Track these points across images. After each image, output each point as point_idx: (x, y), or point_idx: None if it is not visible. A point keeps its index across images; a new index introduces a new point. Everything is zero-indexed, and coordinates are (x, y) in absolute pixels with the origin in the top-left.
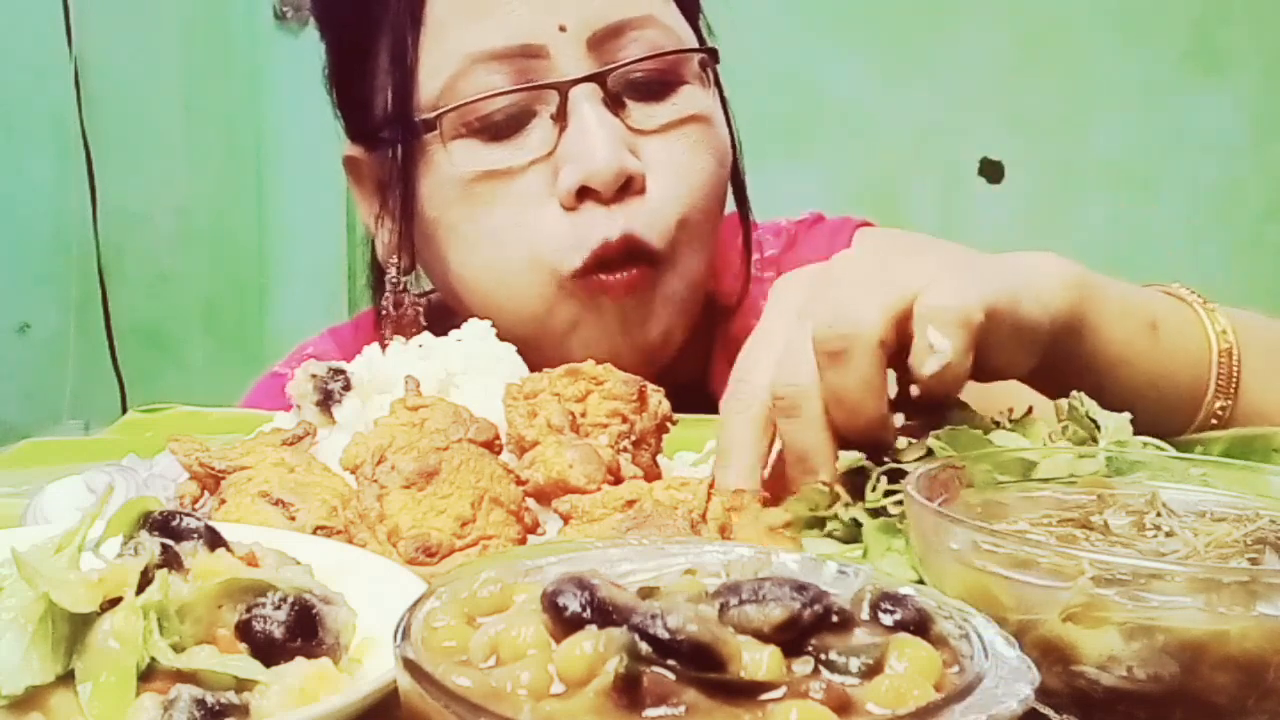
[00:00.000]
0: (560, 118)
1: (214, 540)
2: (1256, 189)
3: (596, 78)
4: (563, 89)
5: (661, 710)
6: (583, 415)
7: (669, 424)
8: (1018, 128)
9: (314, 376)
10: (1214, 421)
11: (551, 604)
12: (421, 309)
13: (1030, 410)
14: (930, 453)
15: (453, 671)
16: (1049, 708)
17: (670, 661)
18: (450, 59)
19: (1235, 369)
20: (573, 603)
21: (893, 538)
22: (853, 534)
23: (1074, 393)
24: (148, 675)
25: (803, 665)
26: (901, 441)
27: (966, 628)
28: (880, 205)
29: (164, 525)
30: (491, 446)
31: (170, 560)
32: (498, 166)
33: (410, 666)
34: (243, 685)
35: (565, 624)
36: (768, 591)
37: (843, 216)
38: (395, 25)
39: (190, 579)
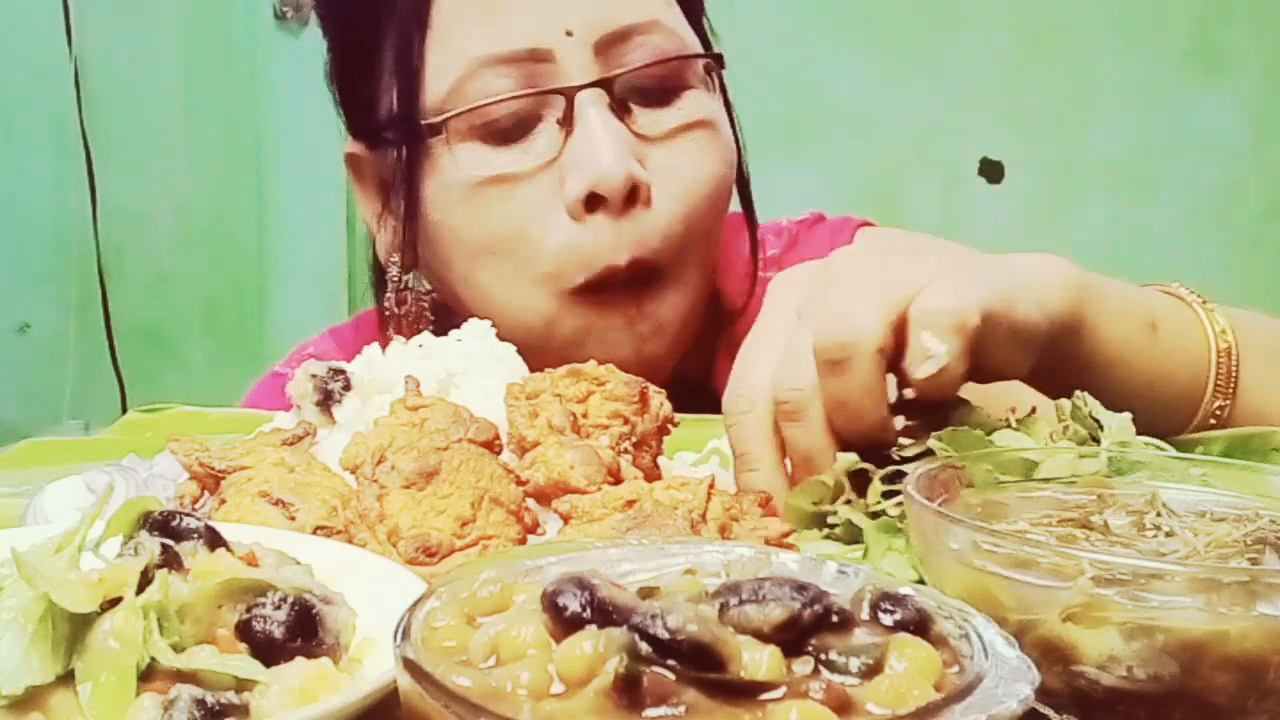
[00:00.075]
0: (566, 123)
1: (214, 540)
2: (1256, 189)
3: (603, 83)
4: (569, 94)
5: (661, 710)
6: (584, 416)
7: (670, 426)
8: (1018, 128)
9: (314, 376)
10: (1213, 421)
11: (551, 604)
12: (427, 305)
13: (1034, 410)
14: (931, 452)
15: (453, 671)
16: (1049, 708)
17: (670, 661)
18: (456, 62)
19: (1234, 369)
20: (573, 603)
21: (893, 538)
22: (853, 534)
23: (1077, 393)
24: (148, 675)
25: (803, 665)
26: (903, 441)
27: (966, 628)
28: (880, 205)
29: (164, 525)
30: (491, 446)
31: (170, 560)
32: (503, 171)
33: (410, 666)
34: (243, 685)
35: (565, 624)
36: (768, 591)
37: (843, 216)
38: (401, 26)
39: (190, 579)
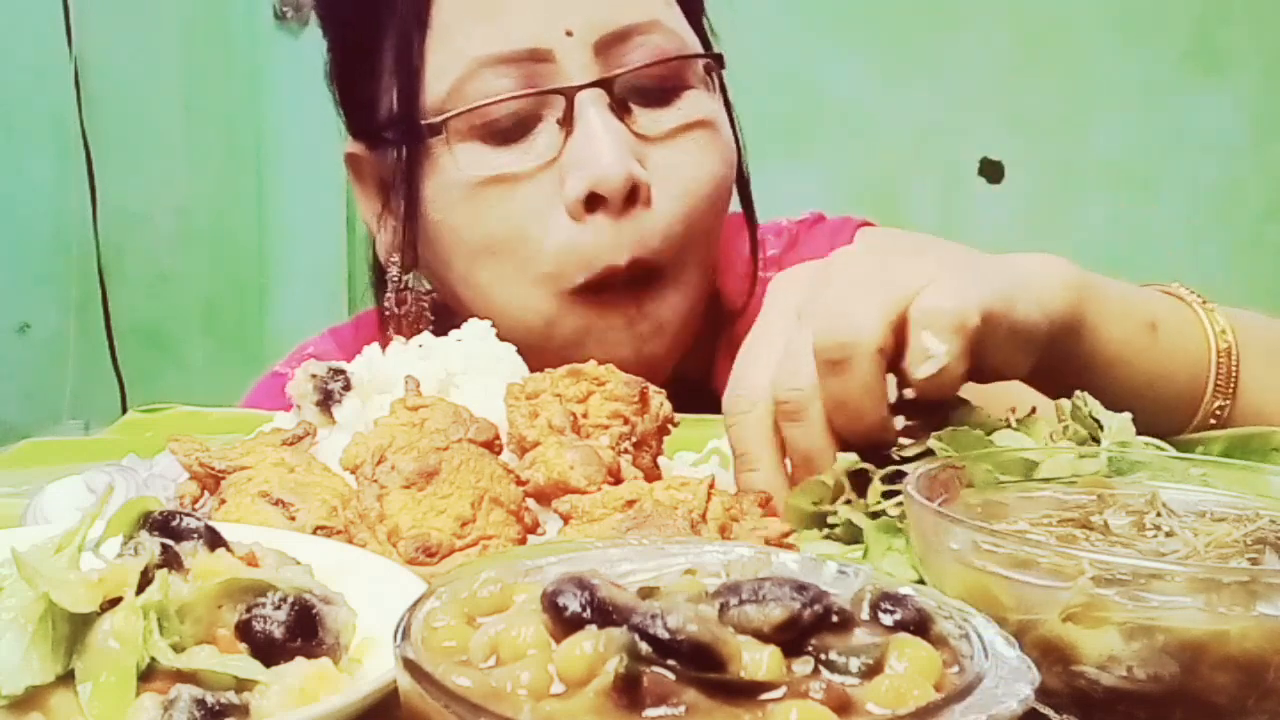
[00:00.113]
0: (566, 123)
1: (214, 540)
2: (1256, 189)
3: (603, 83)
4: (569, 94)
5: (661, 710)
6: (584, 416)
7: (670, 426)
8: (1018, 128)
9: (314, 376)
10: (1212, 421)
11: (551, 604)
12: (427, 305)
13: (1034, 410)
14: (931, 452)
15: (453, 671)
16: (1049, 708)
17: (670, 661)
18: (457, 62)
19: (1234, 369)
20: (573, 603)
21: (893, 538)
22: (853, 534)
23: (1077, 393)
24: (148, 675)
25: (803, 665)
26: (903, 441)
27: (966, 628)
28: (880, 205)
29: (164, 525)
30: (491, 446)
31: (170, 560)
32: (503, 171)
33: (410, 666)
34: (243, 685)
35: (565, 624)
36: (768, 591)
37: (843, 216)
38: (401, 26)
39: (190, 579)
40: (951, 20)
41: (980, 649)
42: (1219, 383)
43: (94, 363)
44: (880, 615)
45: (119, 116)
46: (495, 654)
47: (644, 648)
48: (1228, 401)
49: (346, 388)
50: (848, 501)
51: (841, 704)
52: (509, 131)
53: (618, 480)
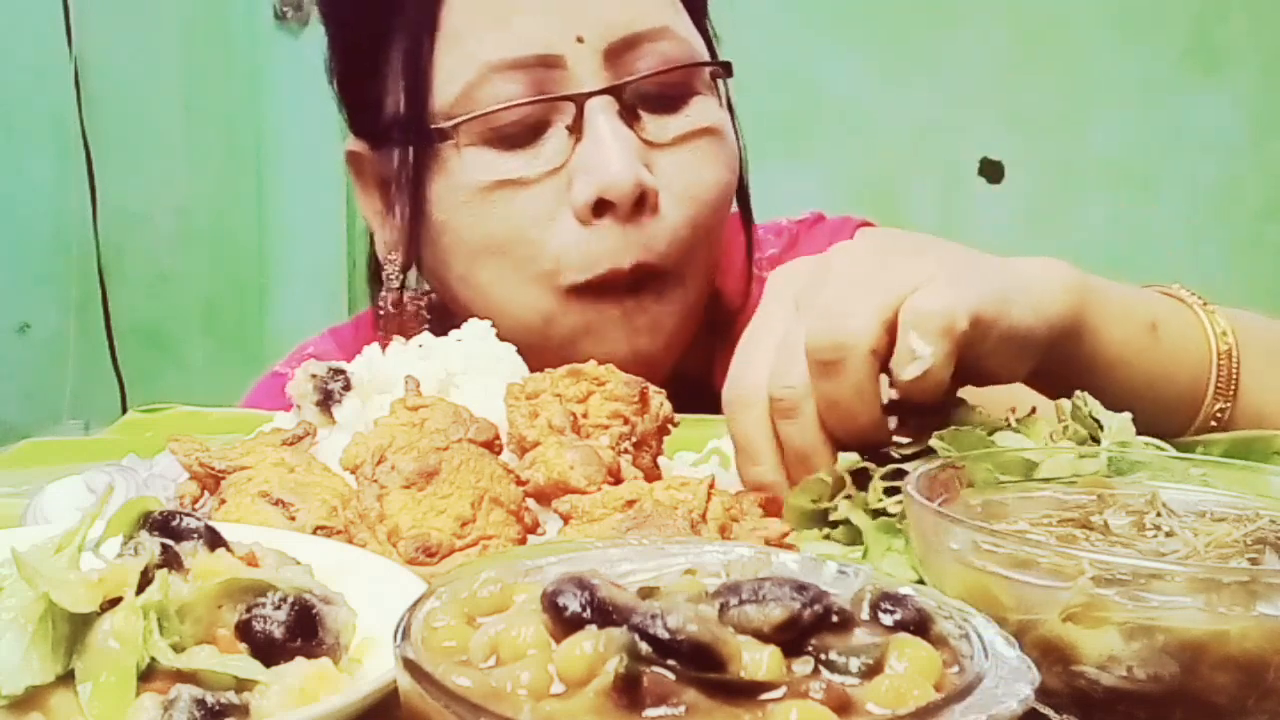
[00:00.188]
0: (576, 129)
1: (214, 540)
2: (1256, 188)
3: (613, 90)
4: (579, 101)
5: (661, 710)
6: (584, 416)
7: (670, 426)
8: (1018, 127)
9: (314, 376)
10: (1213, 424)
11: (551, 604)
12: (423, 304)
13: (1034, 410)
14: (931, 451)
15: (453, 671)
16: (1049, 708)
17: (670, 661)
18: (467, 66)
19: (1235, 371)
20: (573, 603)
21: (893, 538)
22: (853, 535)
23: (1077, 393)
24: (148, 675)
25: (803, 665)
26: (900, 440)
27: (966, 628)
28: (880, 205)
29: (164, 525)
30: (491, 446)
31: (170, 560)
32: (511, 176)
33: (410, 666)
34: (243, 685)
35: (565, 624)
36: (768, 591)
37: (843, 216)
38: (410, 29)
39: (190, 579)
40: (950, 19)
41: (980, 649)
42: (1219, 385)
43: (94, 363)
44: (880, 615)
45: (119, 116)
46: (495, 654)
47: (644, 648)
48: (1228, 404)
49: (346, 388)
50: (848, 496)
51: (841, 704)
52: (518, 137)
53: (618, 480)
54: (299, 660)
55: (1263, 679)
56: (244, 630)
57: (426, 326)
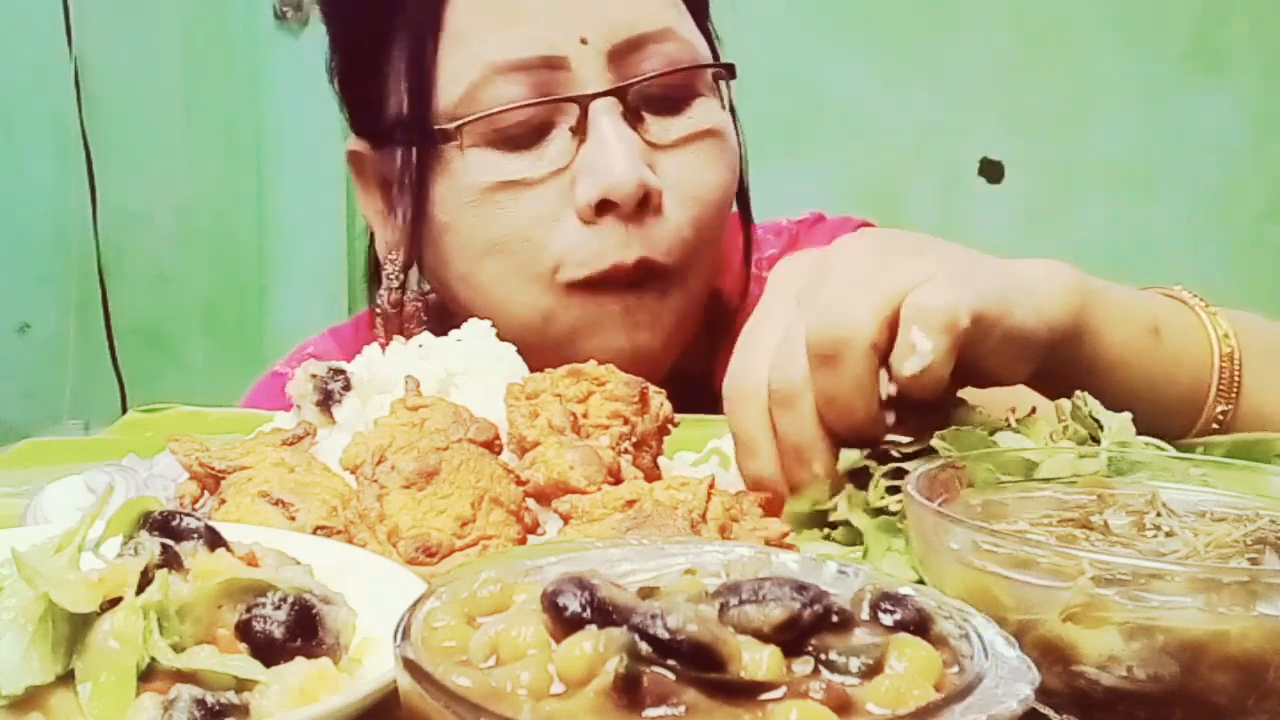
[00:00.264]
0: (579, 131)
1: (214, 540)
2: (1256, 189)
3: (617, 91)
4: (583, 102)
5: (661, 710)
6: (584, 416)
7: (670, 426)
8: (1018, 128)
9: (314, 376)
10: (1215, 426)
11: (551, 604)
12: (421, 305)
13: (1034, 410)
14: (930, 450)
15: (453, 671)
16: (1049, 708)
17: (670, 661)
18: (471, 68)
19: (1237, 373)
20: (573, 603)
21: (893, 538)
22: (853, 536)
23: (1077, 393)
24: (148, 675)
25: (803, 665)
26: (899, 439)
27: (966, 628)
28: (880, 205)
29: (164, 525)
30: (491, 446)
31: (170, 560)
32: (515, 177)
33: (410, 666)
34: (243, 685)
35: (565, 624)
36: (768, 591)
37: (843, 216)
38: (413, 30)
39: (190, 579)
40: (951, 20)
41: (980, 649)
42: (1222, 387)
43: (94, 363)
44: (880, 615)
45: (119, 116)
46: (495, 654)
47: (644, 648)
48: (1230, 406)
49: (346, 388)
50: (850, 495)
51: (841, 704)
52: (522, 138)
53: (618, 480)
54: (299, 660)
55: (1263, 679)
56: (244, 630)
57: (424, 327)
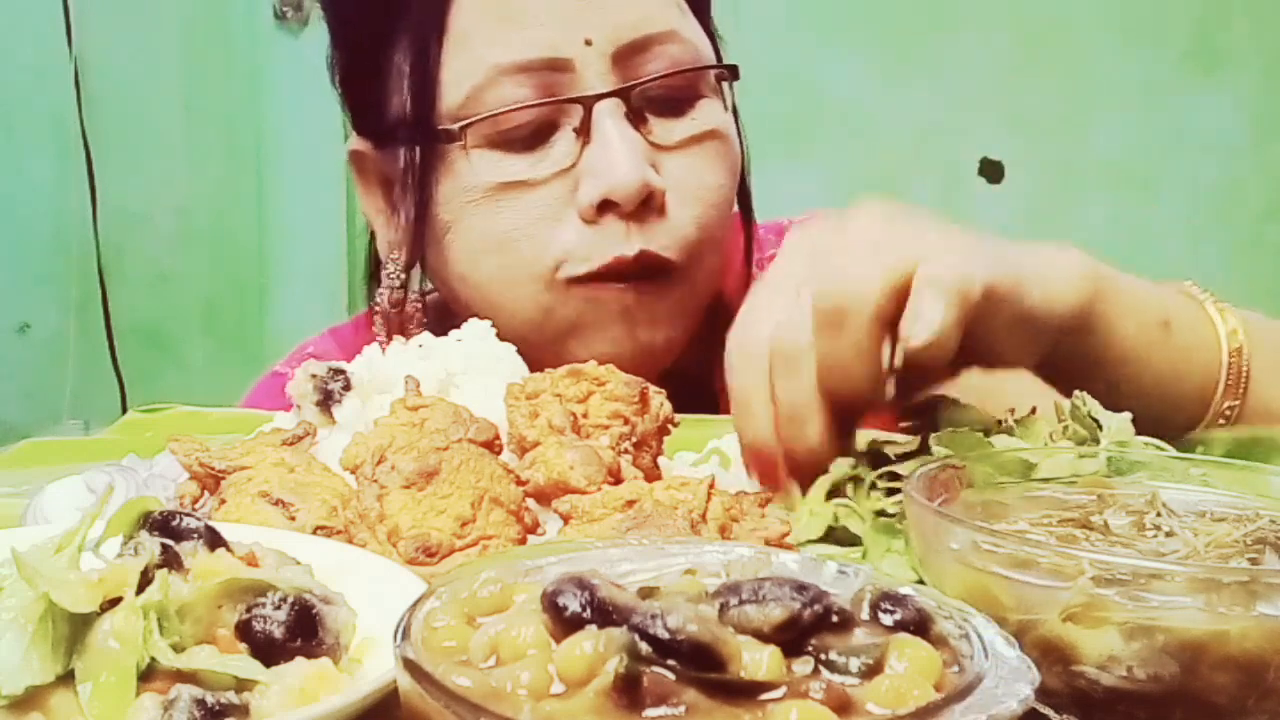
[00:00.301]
0: (583, 132)
1: (214, 540)
2: (1256, 189)
3: (621, 93)
4: (587, 104)
5: (661, 710)
6: (584, 416)
7: (670, 426)
8: (1018, 128)
9: (314, 376)
10: (1222, 421)
11: (551, 604)
12: (420, 305)
13: (1033, 410)
14: (926, 449)
15: (453, 671)
16: (1049, 708)
17: (670, 661)
18: (475, 69)
19: (1245, 368)
20: (573, 603)
21: (892, 538)
22: (852, 536)
23: (1076, 393)
24: (148, 675)
25: (803, 665)
26: (898, 439)
27: (966, 628)
28: None
29: (164, 525)
30: (491, 446)
31: (170, 560)
32: (518, 178)
33: (410, 666)
34: (243, 685)
35: (565, 624)
36: (768, 591)
37: None
38: (417, 31)
39: (190, 579)
40: (951, 20)
41: (980, 649)
42: (1230, 382)
43: (94, 363)
44: (880, 615)
45: (119, 116)
46: (495, 654)
47: (644, 648)
48: (1238, 401)
49: (346, 388)
50: (855, 465)
51: (841, 704)
52: (525, 139)
53: (618, 480)
54: (299, 660)
55: (1263, 679)
56: (244, 630)
57: (424, 327)
